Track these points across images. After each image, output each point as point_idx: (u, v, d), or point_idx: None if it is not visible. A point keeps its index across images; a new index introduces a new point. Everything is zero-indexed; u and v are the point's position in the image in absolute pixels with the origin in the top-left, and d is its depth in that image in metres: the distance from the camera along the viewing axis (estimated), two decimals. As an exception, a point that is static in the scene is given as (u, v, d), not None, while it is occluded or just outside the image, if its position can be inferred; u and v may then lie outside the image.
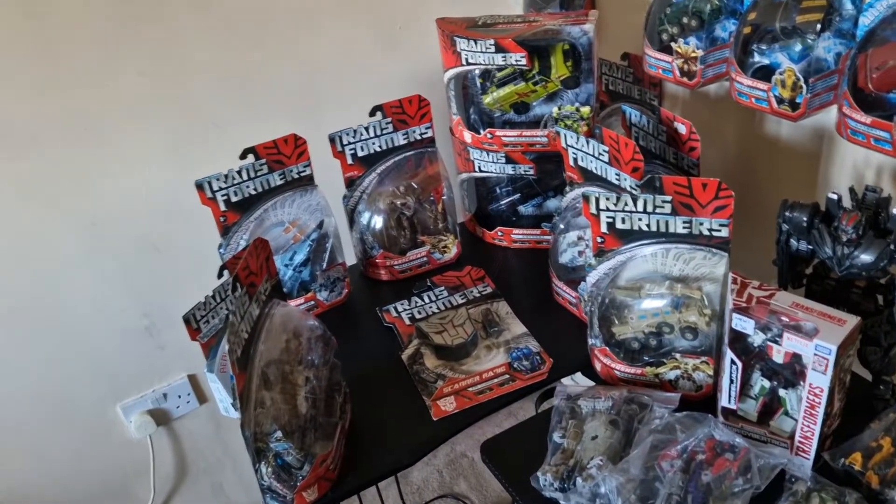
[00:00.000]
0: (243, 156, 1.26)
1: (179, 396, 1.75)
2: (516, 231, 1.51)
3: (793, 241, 1.05)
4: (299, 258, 1.33)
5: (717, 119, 1.42)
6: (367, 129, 1.36)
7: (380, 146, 1.38)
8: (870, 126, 1.04)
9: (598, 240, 1.10)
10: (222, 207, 1.25)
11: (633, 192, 1.10)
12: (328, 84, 1.63)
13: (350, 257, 1.46)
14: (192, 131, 1.52)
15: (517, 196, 1.51)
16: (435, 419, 1.13)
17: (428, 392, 1.17)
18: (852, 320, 0.89)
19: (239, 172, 1.25)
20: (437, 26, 1.39)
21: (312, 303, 1.37)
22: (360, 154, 1.37)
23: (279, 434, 0.96)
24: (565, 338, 1.25)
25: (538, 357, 1.21)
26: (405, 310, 1.35)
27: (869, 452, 0.93)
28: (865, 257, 0.95)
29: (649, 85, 1.51)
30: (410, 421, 1.14)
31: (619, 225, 1.07)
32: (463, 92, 1.44)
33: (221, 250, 1.27)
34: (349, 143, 1.36)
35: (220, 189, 1.24)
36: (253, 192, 1.28)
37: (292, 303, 1.34)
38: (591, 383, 1.16)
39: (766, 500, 0.91)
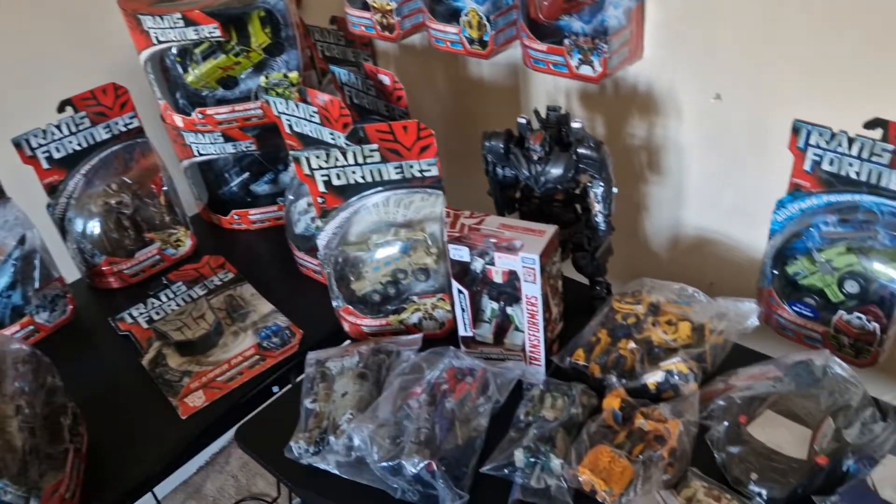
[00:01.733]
0: None
1: None
2: (253, 211, 1.46)
3: (498, 170, 1.10)
4: (3, 281, 1.18)
5: (426, 68, 1.47)
6: (58, 127, 1.23)
7: (79, 144, 1.26)
8: (547, 53, 1.12)
9: (319, 200, 1.08)
10: None
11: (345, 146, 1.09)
12: (11, 86, 1.45)
13: (72, 270, 1.32)
14: None
15: (247, 175, 1.45)
16: (184, 418, 1.06)
17: (174, 392, 1.10)
18: (550, 229, 0.96)
19: None
20: (119, 6, 1.28)
21: (31, 328, 1.22)
22: (56, 156, 1.24)
23: (-11, 475, 0.84)
24: (314, 306, 1.23)
25: (287, 331, 1.19)
26: (141, 314, 1.26)
27: (590, 347, 1.02)
28: (555, 171, 1.02)
29: (361, 45, 1.52)
30: (159, 427, 1.06)
31: (335, 182, 1.07)
32: (164, 74, 1.35)
33: None
34: (41, 146, 1.22)
35: None
36: (-77, 222, 1.11)
37: (7, 331, 1.19)
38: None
39: (508, 410, 0.96)
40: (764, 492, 0.82)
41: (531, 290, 0.95)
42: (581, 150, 1.00)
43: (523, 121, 1.05)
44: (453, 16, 1.23)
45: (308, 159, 1.04)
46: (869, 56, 0.92)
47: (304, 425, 0.98)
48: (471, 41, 1.21)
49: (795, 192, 1.02)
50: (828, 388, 0.90)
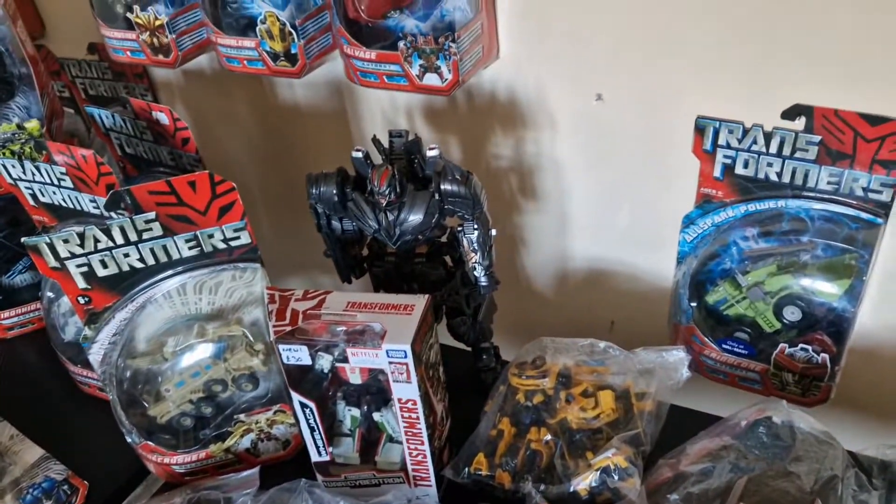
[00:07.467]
0: None
1: None
2: (7, 314, 1.07)
3: (334, 223, 0.81)
4: None
5: (224, 97, 1.15)
6: None
7: None
8: (377, 62, 0.85)
9: (81, 300, 0.75)
10: None
11: (108, 220, 0.75)
12: None
13: None
14: None
15: (-9, 264, 1.07)
16: None
17: None
18: (419, 301, 0.68)
19: None
20: None
21: None
22: None
23: None
24: (103, 440, 0.87)
25: (66, 487, 0.83)
26: None
27: (492, 447, 0.75)
28: (414, 218, 0.75)
29: (134, 77, 1.19)
30: None
31: (101, 272, 0.74)
32: None
33: None
34: None
35: None
36: None
37: None
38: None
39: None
40: None
41: (406, 391, 0.67)
42: (445, 187, 0.73)
43: (359, 154, 0.76)
44: (248, 26, 0.94)
45: (51, 246, 0.71)
46: (775, 27, 0.73)
47: None
48: (274, 56, 0.92)
49: (705, 203, 0.82)
50: (803, 456, 0.70)
